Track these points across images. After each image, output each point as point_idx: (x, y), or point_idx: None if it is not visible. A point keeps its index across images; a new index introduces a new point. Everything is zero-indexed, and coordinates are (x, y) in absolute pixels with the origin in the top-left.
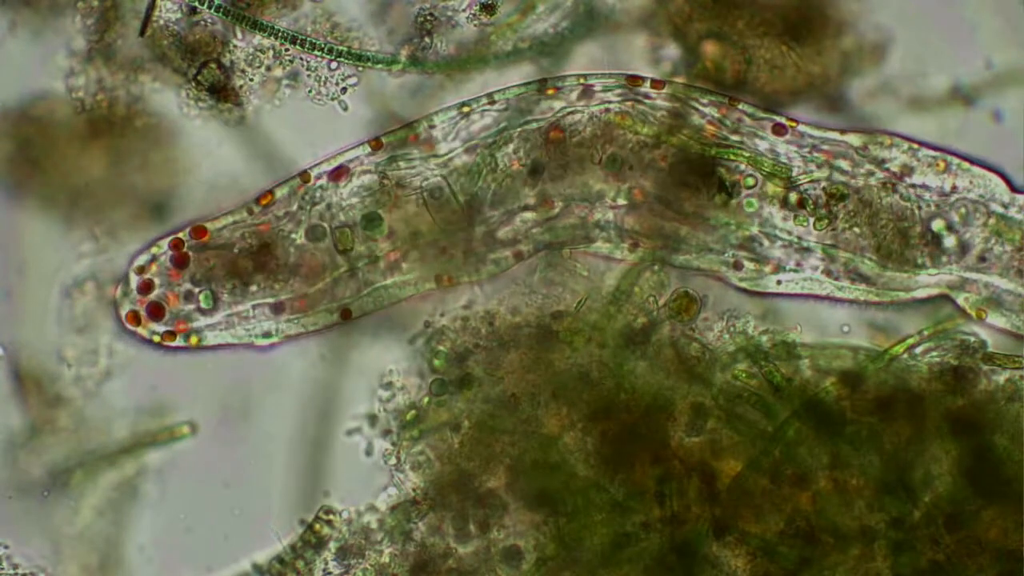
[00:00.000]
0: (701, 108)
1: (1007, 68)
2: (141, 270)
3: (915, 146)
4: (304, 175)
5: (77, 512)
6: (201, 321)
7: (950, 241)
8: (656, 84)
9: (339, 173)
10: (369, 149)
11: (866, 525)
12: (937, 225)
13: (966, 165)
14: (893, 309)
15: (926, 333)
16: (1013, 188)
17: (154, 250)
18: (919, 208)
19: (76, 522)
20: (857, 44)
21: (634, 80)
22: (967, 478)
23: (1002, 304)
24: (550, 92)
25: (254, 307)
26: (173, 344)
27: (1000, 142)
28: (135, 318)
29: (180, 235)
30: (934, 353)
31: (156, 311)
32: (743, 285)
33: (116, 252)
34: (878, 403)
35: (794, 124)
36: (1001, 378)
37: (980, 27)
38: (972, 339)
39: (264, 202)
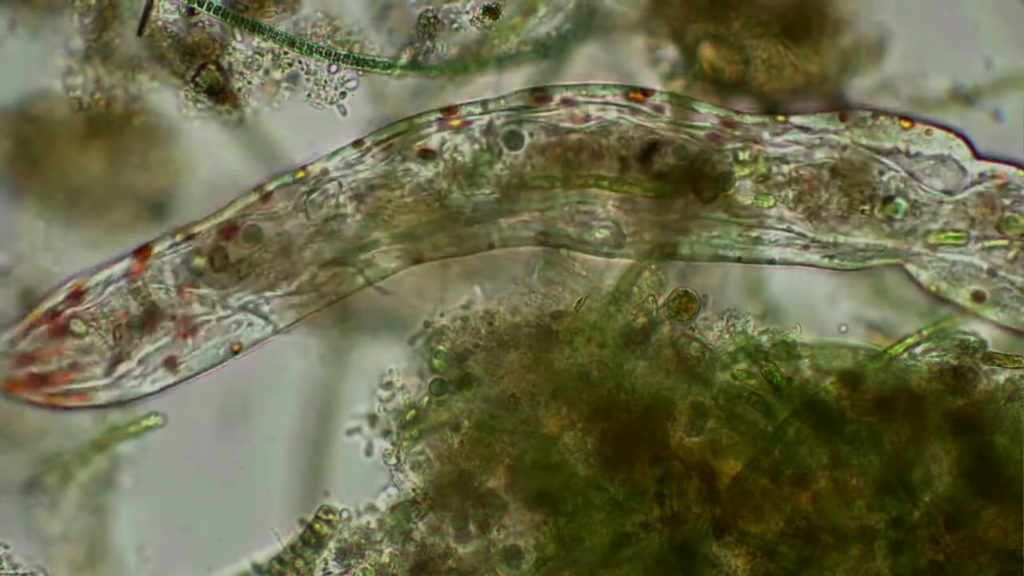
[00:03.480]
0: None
1: (1007, 68)
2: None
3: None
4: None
5: (55, 510)
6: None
7: (902, 211)
8: (647, 92)
9: (229, 230)
10: (256, 196)
11: (866, 525)
12: (895, 195)
13: (932, 128)
14: (891, 308)
15: (925, 333)
16: (976, 154)
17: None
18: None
19: (57, 521)
20: (855, 43)
21: (636, 95)
22: (967, 478)
23: (961, 278)
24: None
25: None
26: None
27: (1000, 142)
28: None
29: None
30: (934, 353)
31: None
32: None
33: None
34: (878, 403)
35: (784, 119)
36: (1001, 378)
37: (980, 27)
38: (972, 339)
39: (142, 256)
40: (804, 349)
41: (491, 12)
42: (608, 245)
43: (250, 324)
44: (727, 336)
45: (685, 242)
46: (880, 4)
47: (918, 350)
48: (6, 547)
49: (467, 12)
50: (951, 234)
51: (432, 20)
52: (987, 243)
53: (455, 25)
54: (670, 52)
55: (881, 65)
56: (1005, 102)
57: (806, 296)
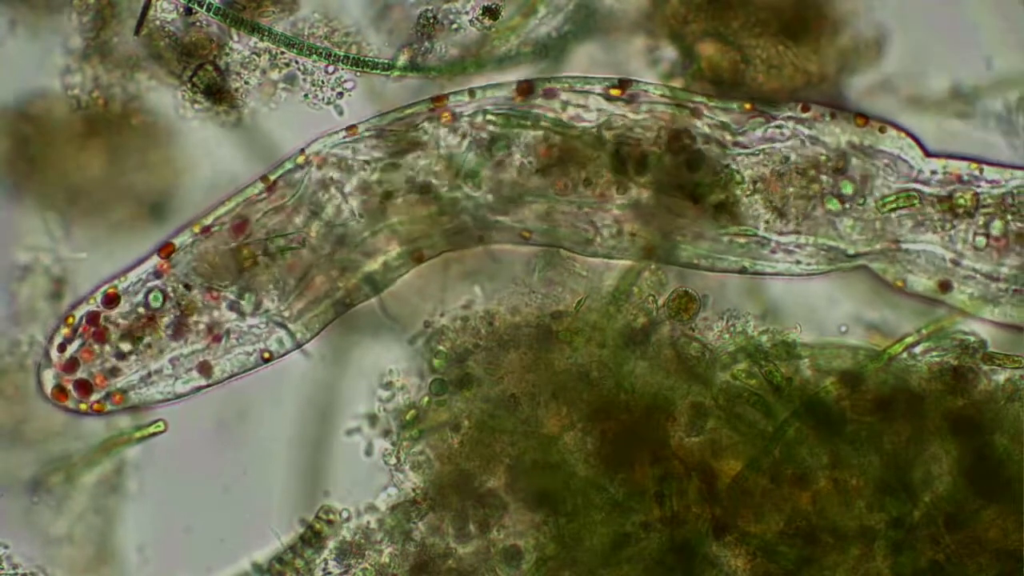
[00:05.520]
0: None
1: (1007, 68)
2: (62, 348)
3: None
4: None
5: (58, 511)
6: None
7: (850, 188)
8: (624, 85)
9: (240, 225)
10: (261, 186)
11: (866, 525)
12: (844, 185)
13: (885, 126)
14: (888, 308)
15: (924, 332)
16: (926, 152)
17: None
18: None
19: (59, 522)
20: (854, 42)
21: (616, 90)
22: (967, 478)
23: (925, 270)
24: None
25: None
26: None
27: (999, 143)
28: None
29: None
30: (934, 353)
31: (84, 387)
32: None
33: (65, 249)
34: (878, 403)
35: (749, 108)
36: (1001, 378)
37: (980, 27)
38: (972, 339)
39: (165, 253)
40: (804, 349)
41: (490, 12)
42: (594, 245)
43: (279, 339)
44: (727, 336)
45: (665, 244)
46: (880, 3)
47: (918, 350)
48: (6, 547)
49: (466, 12)
50: (902, 195)
51: (431, 20)
52: (940, 207)
53: (454, 25)
54: (669, 52)
55: (880, 64)
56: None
57: (806, 296)
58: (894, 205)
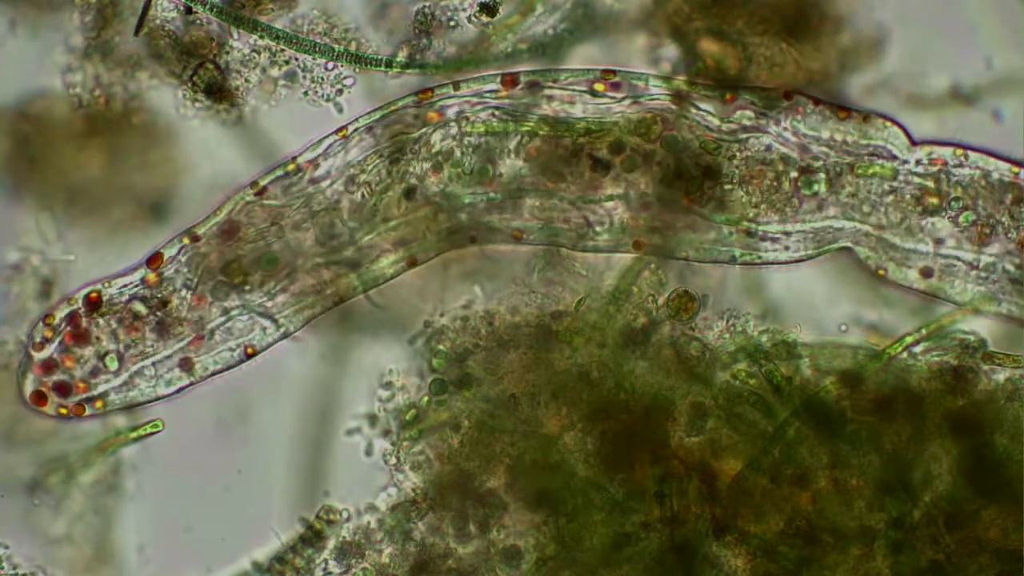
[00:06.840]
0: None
1: (1007, 68)
2: (40, 347)
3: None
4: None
5: (58, 512)
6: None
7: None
8: (606, 77)
9: (230, 230)
10: (252, 191)
11: (866, 525)
12: (819, 174)
13: (869, 116)
14: (887, 307)
15: (924, 332)
16: (912, 140)
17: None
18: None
19: (59, 522)
20: (855, 41)
21: (601, 86)
22: (967, 478)
23: (907, 256)
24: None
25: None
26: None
27: (1000, 142)
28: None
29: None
30: (934, 353)
31: (63, 389)
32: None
33: (56, 250)
34: (878, 403)
35: (731, 98)
36: (1001, 378)
37: (980, 27)
38: (972, 338)
39: (154, 265)
40: (804, 349)
41: (488, 9)
42: (587, 239)
43: (263, 328)
44: (727, 336)
45: (656, 236)
46: (880, 3)
47: (918, 350)
48: (6, 547)
49: (464, 10)
50: (879, 165)
51: (428, 17)
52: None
53: (452, 23)
54: (671, 51)
55: (880, 63)
56: (1005, 102)
57: (806, 296)
58: (872, 170)
